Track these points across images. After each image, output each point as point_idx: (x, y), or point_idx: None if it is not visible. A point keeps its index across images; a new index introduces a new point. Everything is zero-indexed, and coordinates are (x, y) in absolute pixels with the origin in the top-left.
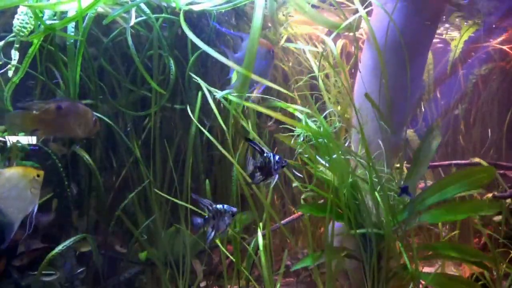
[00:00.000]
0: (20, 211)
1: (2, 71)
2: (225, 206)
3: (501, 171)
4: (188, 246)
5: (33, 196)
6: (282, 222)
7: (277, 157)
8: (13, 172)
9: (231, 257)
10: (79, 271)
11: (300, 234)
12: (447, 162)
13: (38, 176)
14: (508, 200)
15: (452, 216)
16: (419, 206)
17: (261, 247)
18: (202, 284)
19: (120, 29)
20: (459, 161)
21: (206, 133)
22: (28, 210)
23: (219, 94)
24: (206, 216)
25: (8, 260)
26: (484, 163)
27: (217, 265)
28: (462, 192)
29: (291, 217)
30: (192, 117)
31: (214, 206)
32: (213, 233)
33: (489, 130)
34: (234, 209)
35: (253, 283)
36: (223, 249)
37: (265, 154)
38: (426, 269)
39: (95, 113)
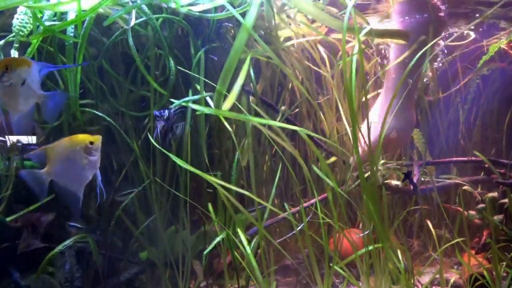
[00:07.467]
0: (79, 181)
1: None
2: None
3: (502, 170)
4: (188, 245)
5: (90, 164)
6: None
7: (166, 112)
8: (62, 144)
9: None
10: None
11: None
12: (447, 160)
13: (91, 143)
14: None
15: None
16: None
17: (248, 250)
18: (202, 284)
19: (121, 31)
20: (458, 158)
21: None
22: (88, 178)
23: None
24: None
25: (8, 260)
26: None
27: (217, 265)
28: None
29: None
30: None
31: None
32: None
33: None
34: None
35: (254, 281)
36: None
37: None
38: (426, 270)
39: None
